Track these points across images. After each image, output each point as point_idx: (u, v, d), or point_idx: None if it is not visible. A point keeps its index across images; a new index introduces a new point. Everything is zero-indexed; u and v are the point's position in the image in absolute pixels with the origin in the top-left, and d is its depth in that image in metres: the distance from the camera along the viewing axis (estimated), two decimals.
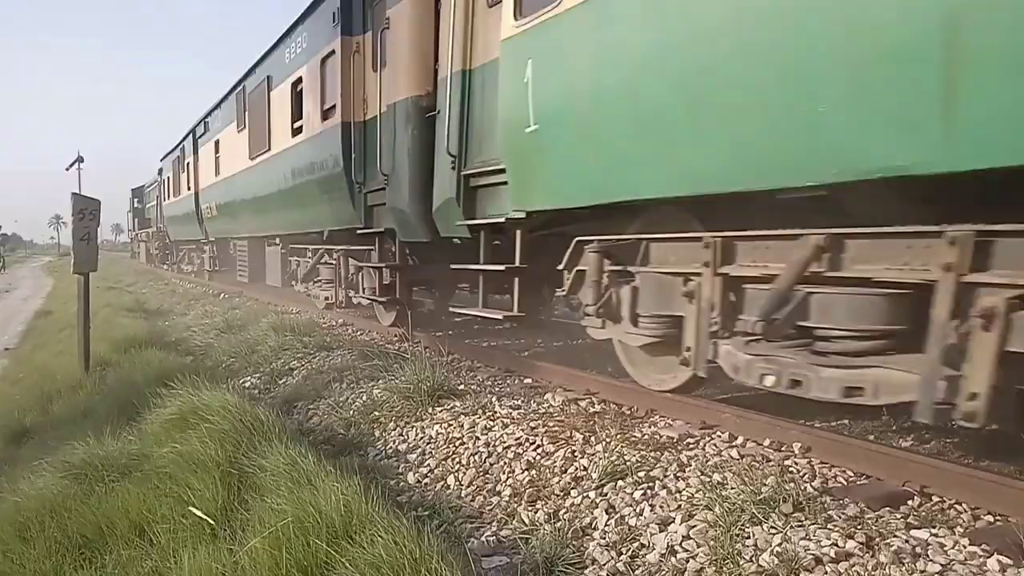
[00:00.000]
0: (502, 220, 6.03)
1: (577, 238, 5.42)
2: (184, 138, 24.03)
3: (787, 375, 3.71)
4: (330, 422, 5.62)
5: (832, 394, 3.51)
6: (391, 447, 4.90)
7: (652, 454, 4.00)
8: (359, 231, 9.36)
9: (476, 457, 4.40)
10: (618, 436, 4.33)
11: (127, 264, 46.29)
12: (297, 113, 11.43)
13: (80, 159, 39.57)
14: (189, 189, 22.42)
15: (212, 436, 4.25)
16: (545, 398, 5.46)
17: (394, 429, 5.18)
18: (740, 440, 4.23)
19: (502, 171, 5.90)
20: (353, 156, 9.22)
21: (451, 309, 8.24)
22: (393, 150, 7.93)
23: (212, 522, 3.44)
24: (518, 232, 6.00)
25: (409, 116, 7.47)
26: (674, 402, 4.91)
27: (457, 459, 4.45)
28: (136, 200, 46.53)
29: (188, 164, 22.49)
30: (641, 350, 5.15)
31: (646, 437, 4.34)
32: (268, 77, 13.15)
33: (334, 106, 9.62)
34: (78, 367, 8.30)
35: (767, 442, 4.13)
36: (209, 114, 19.63)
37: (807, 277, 3.70)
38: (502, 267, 6.15)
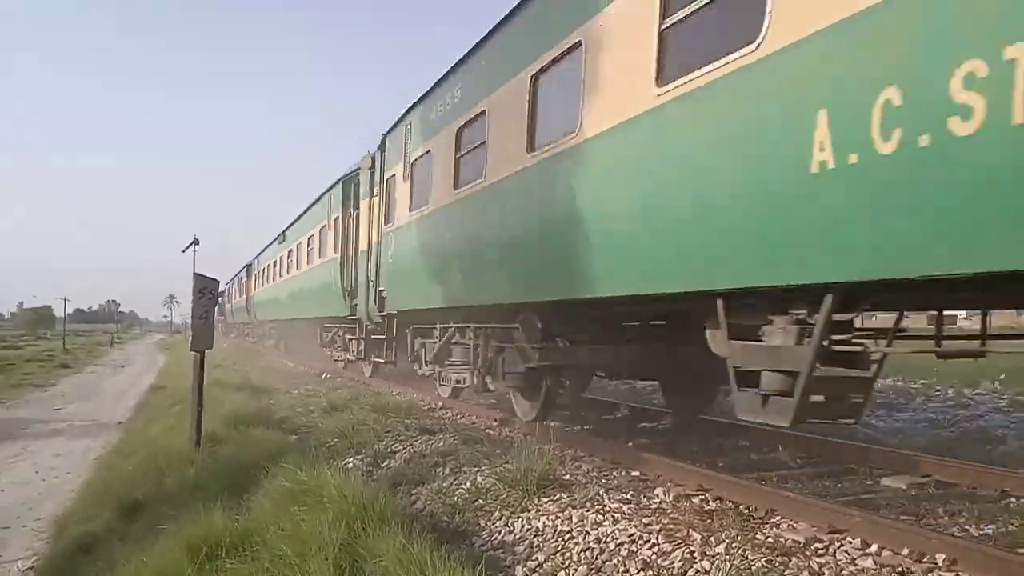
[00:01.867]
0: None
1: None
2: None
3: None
4: (434, 508, 5.55)
5: None
6: (497, 537, 4.77)
7: (779, 559, 3.75)
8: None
9: (587, 553, 4.23)
10: (739, 537, 4.09)
11: (231, 341, 48.14)
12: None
13: (196, 241, 42.00)
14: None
15: (325, 517, 4.23)
16: (655, 492, 5.25)
17: (499, 519, 5.05)
18: (874, 548, 3.93)
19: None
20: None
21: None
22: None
23: None
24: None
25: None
26: (797, 503, 4.63)
27: (567, 554, 4.29)
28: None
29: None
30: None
31: (770, 540, 4.09)
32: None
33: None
34: (189, 442, 8.54)
35: (905, 551, 3.81)
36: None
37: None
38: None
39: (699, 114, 4.81)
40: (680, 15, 4.99)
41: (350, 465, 7.18)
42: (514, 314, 8.23)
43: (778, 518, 4.58)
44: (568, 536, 4.51)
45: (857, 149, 3.58)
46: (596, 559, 4.14)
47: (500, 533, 4.82)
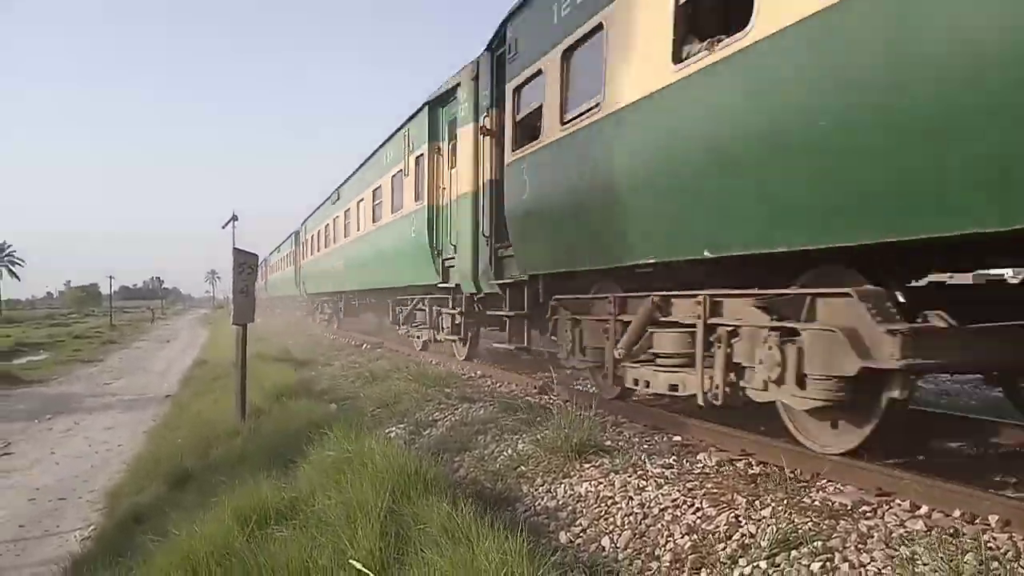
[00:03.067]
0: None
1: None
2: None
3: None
4: (476, 475, 5.59)
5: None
6: (540, 503, 4.79)
7: (826, 522, 3.70)
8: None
9: (631, 518, 4.22)
10: (785, 501, 4.05)
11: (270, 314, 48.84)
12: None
13: (235, 217, 42.45)
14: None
15: (371, 485, 4.28)
16: (698, 458, 5.21)
17: (541, 485, 5.07)
18: (924, 510, 3.85)
19: None
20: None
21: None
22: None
23: None
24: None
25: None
26: (844, 466, 4.56)
27: (610, 519, 4.29)
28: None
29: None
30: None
31: (816, 503, 4.04)
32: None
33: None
34: (234, 414, 8.71)
35: (957, 513, 3.74)
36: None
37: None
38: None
39: None
40: None
41: (392, 434, 7.26)
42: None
43: (824, 481, 4.51)
44: (611, 501, 4.51)
45: None
46: (640, 524, 4.13)
47: (543, 499, 4.84)
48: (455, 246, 11.24)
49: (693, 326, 5.79)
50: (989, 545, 3.32)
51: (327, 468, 5.17)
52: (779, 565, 3.35)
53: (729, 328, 5.40)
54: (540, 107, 7.86)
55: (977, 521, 3.64)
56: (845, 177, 4.03)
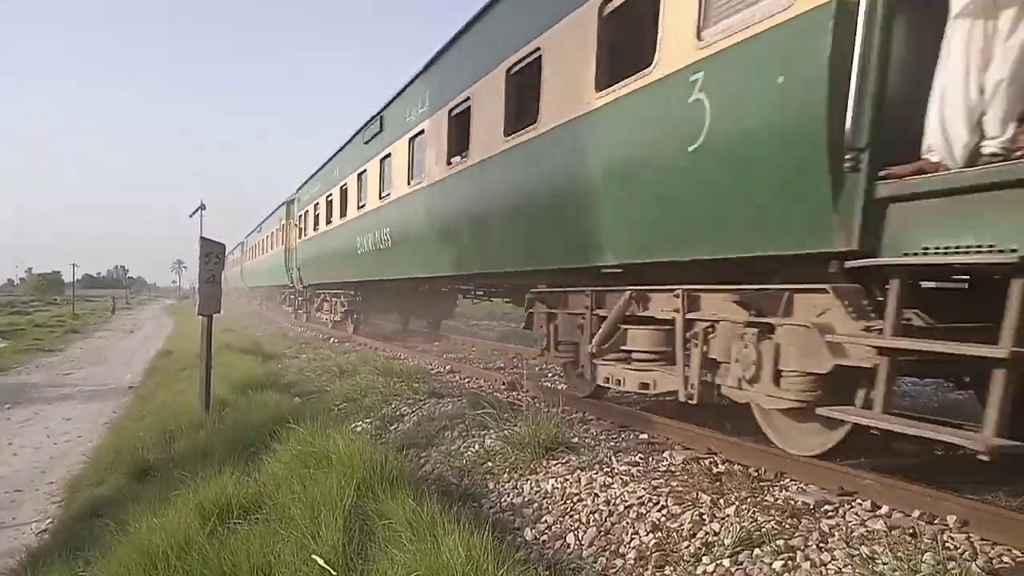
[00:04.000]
0: None
1: None
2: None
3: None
4: (442, 471, 5.57)
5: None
6: (506, 500, 4.78)
7: (789, 521, 3.74)
8: None
9: (596, 515, 4.23)
10: (749, 500, 4.09)
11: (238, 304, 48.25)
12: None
13: (203, 206, 41.86)
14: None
15: (336, 480, 4.24)
16: (664, 456, 5.24)
17: (508, 481, 5.07)
18: (885, 509, 3.92)
19: None
20: None
21: None
22: None
23: (335, 574, 3.39)
24: None
25: None
26: (808, 465, 4.62)
27: (576, 516, 4.30)
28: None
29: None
30: None
31: (779, 502, 4.08)
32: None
33: None
34: (199, 406, 8.59)
35: (916, 513, 3.80)
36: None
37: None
38: None
39: None
40: None
41: (359, 428, 7.21)
42: None
43: (788, 481, 4.57)
44: (576, 498, 4.51)
45: None
46: (605, 521, 4.14)
47: (509, 495, 4.83)
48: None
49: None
50: (947, 545, 3.38)
51: (292, 462, 5.11)
52: (742, 563, 3.38)
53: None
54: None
55: (936, 521, 3.70)
56: None
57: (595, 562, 3.74)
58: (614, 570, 3.63)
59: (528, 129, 7.40)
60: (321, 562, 3.42)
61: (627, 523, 4.06)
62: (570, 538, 4.05)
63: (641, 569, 3.57)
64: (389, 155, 12.91)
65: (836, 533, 3.56)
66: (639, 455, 5.29)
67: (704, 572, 3.40)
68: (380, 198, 13.40)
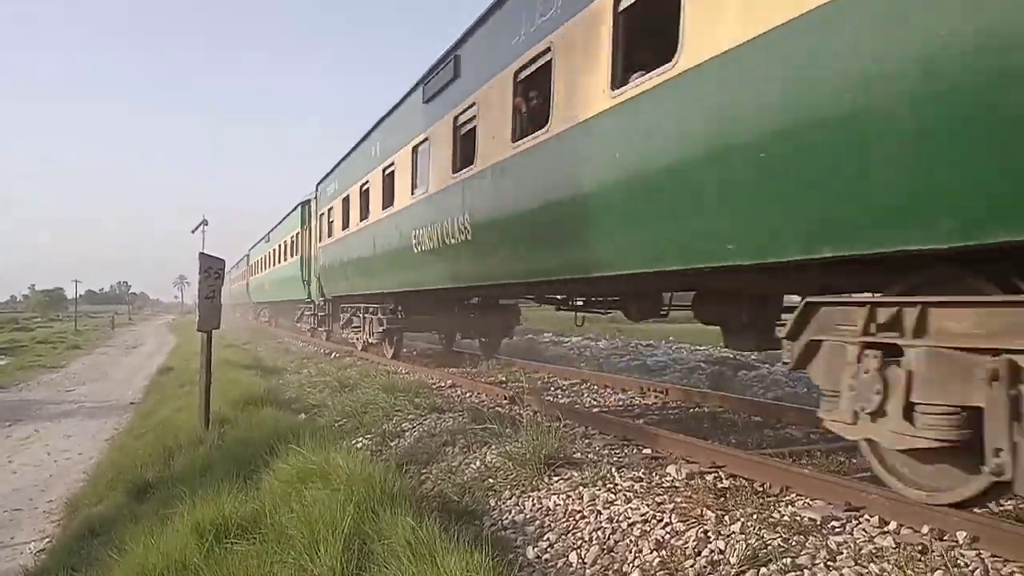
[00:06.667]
0: None
1: None
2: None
3: None
4: (443, 488, 5.50)
5: None
6: (507, 517, 4.71)
7: (795, 538, 3.67)
8: None
9: (599, 533, 4.16)
10: (755, 516, 4.02)
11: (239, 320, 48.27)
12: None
13: (205, 222, 41.91)
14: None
15: (335, 499, 4.18)
16: (668, 471, 5.18)
17: (510, 498, 5.00)
18: (893, 525, 3.84)
19: None
20: None
21: None
22: None
23: None
24: None
25: None
26: (813, 480, 4.55)
27: (578, 534, 4.23)
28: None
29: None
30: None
31: (786, 518, 4.01)
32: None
33: None
34: (198, 423, 8.53)
35: (925, 529, 3.73)
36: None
37: None
38: None
39: None
40: None
41: (359, 445, 7.15)
42: None
43: (794, 495, 4.49)
44: (579, 515, 4.44)
45: None
46: (608, 539, 4.07)
47: (510, 513, 4.76)
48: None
49: None
50: (958, 562, 3.31)
51: (291, 480, 5.05)
52: None
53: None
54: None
55: (946, 537, 3.63)
56: None
57: None
58: None
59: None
60: None
61: (631, 541, 3.99)
62: (572, 557, 3.98)
63: None
64: (473, 105, 9.12)
65: (844, 550, 3.49)
66: (642, 470, 5.23)
67: None
68: (454, 172, 9.57)
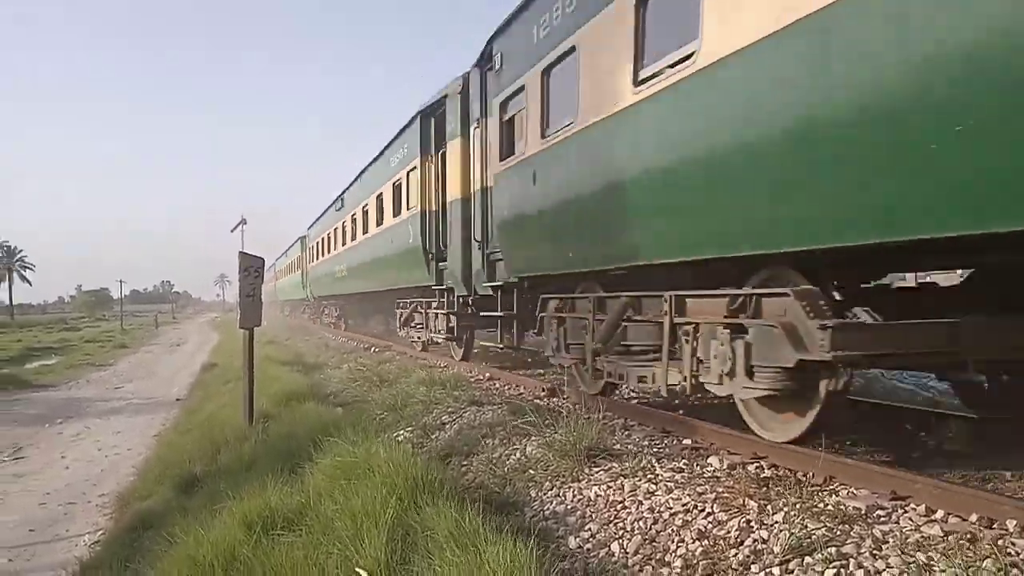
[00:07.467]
0: None
1: None
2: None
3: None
4: (484, 479, 5.54)
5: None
6: (548, 508, 4.74)
7: (840, 527, 3.63)
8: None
9: (640, 523, 4.16)
10: (798, 505, 3.99)
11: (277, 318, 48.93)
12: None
13: (244, 221, 42.62)
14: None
15: (378, 491, 4.24)
16: (709, 461, 5.15)
17: (550, 489, 5.02)
18: (940, 514, 3.78)
19: None
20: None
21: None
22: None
23: None
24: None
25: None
26: (857, 469, 4.50)
27: (620, 524, 4.23)
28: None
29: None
30: None
31: (829, 508, 3.97)
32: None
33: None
34: (242, 419, 8.69)
35: (973, 517, 3.66)
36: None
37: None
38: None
39: None
40: None
41: (400, 437, 7.22)
42: None
43: (837, 485, 4.44)
44: (620, 506, 4.45)
45: None
46: (650, 529, 4.07)
47: (551, 504, 4.78)
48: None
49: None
50: (1008, 551, 3.25)
51: (335, 473, 5.13)
52: (792, 572, 3.28)
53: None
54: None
55: (995, 526, 3.57)
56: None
57: (641, 571, 3.67)
58: None
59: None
60: (364, 574, 3.42)
61: (672, 531, 3.98)
62: (615, 546, 3.99)
63: None
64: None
65: (890, 539, 3.45)
66: (683, 461, 5.21)
67: None
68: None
